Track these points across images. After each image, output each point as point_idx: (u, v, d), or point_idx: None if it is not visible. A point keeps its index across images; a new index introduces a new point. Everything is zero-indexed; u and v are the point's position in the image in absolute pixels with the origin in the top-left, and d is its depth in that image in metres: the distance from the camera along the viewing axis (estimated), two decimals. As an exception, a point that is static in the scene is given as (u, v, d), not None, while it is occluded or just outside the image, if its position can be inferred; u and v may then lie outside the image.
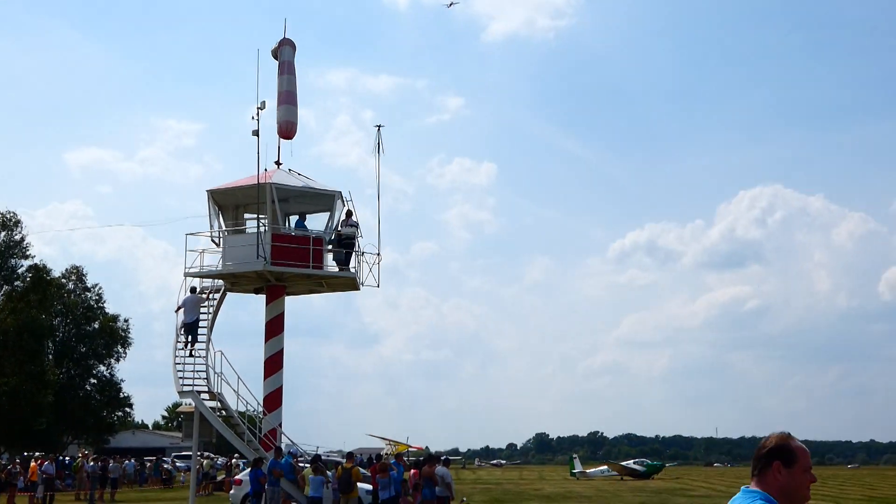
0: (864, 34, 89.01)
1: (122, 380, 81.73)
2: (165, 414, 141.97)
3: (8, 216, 66.58)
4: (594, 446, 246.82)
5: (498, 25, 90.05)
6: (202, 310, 32.71)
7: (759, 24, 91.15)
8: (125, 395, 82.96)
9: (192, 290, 32.68)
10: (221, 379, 31.89)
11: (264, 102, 31.34)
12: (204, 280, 33.20)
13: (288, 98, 33.40)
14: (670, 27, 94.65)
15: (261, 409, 32.11)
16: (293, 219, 33.51)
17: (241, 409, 32.93)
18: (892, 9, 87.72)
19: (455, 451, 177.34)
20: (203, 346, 32.05)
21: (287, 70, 33.70)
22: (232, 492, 37.43)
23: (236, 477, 40.42)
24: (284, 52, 33.77)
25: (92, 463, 48.47)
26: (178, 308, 32.34)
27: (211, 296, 33.28)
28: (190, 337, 32.13)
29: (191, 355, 31.86)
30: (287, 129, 33.38)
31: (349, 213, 33.11)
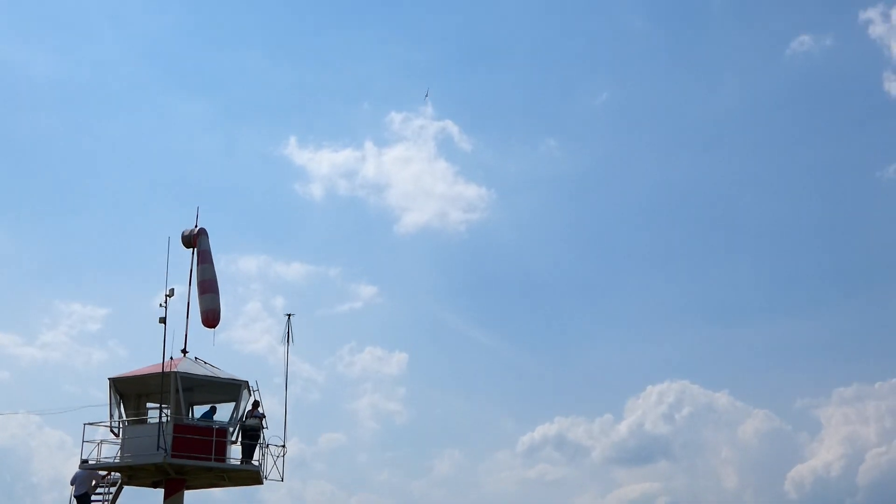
0: (771, 235, 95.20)
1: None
2: None
3: None
4: None
5: (411, 217, 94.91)
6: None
7: (667, 221, 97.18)
8: None
9: (84, 461, 31.39)
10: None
11: (173, 290, 31.22)
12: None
13: (210, 286, 33.23)
14: (579, 223, 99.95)
15: None
16: (200, 409, 32.74)
17: None
18: (798, 210, 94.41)
19: None
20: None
21: (206, 259, 33.67)
22: None
23: None
24: (202, 241, 33.84)
25: None
26: (71, 483, 31.10)
27: (107, 490, 31.93)
28: None
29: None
30: (211, 318, 33.06)
31: (256, 404, 32.54)
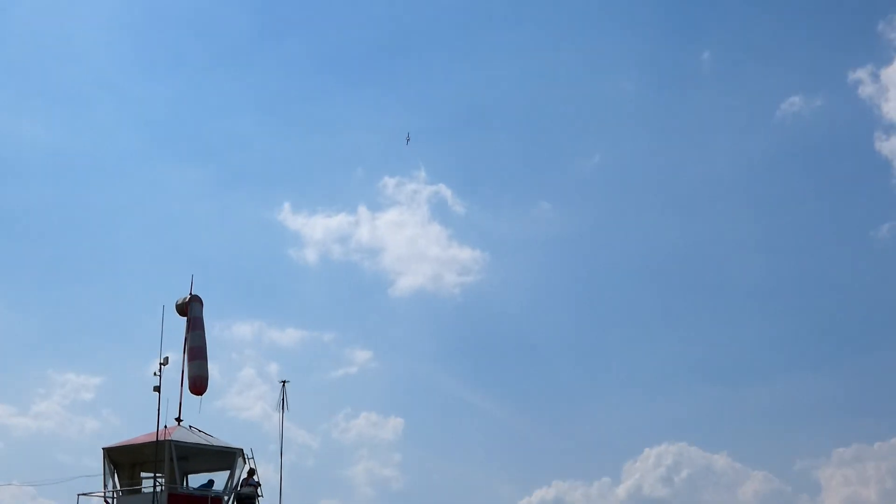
0: (766, 295, 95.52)
1: None
2: None
3: None
4: None
5: (406, 280, 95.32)
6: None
7: (661, 283, 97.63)
8: None
9: None
10: None
11: (167, 358, 31.30)
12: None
13: (199, 353, 33.30)
14: (574, 284, 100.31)
15: None
16: (195, 477, 32.58)
17: None
18: (792, 270, 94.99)
19: None
20: None
21: (197, 326, 33.80)
22: None
23: None
24: (194, 308, 33.99)
25: None
26: None
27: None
28: None
29: None
30: (198, 385, 33.04)
31: (251, 472, 32.40)
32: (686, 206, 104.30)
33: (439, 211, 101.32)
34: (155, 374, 30.79)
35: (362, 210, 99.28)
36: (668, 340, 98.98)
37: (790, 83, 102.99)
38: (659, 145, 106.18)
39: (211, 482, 32.32)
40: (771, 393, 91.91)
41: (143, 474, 32.88)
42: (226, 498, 31.99)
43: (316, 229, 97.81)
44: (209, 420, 33.22)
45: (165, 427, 31.37)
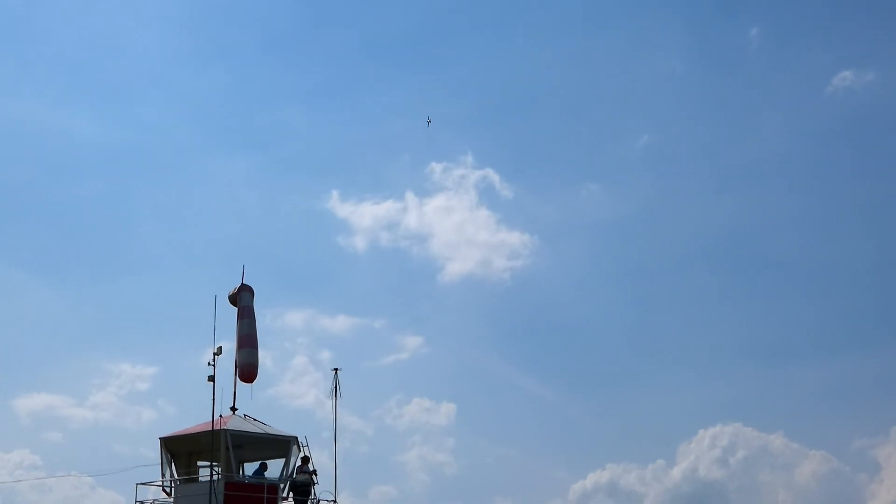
0: (820, 273, 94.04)
1: None
2: None
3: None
4: None
5: (454, 266, 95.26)
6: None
7: (713, 263, 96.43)
8: None
9: None
10: None
11: (220, 348, 31.46)
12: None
13: (248, 342, 33.53)
14: (624, 266, 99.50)
15: None
16: (251, 465, 32.84)
17: None
18: (846, 248, 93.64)
19: None
20: None
21: (247, 314, 34.02)
22: None
23: None
24: (244, 297, 34.23)
25: None
26: None
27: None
28: None
29: None
30: (248, 373, 33.27)
31: (305, 459, 32.55)
32: (736, 186, 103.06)
33: (487, 195, 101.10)
34: (209, 363, 30.99)
35: (410, 196, 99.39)
36: (721, 320, 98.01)
37: (841, 57, 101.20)
38: (708, 124, 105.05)
39: (264, 465, 32.49)
40: (827, 371, 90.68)
41: (199, 463, 33.19)
42: (281, 486, 32.20)
43: (364, 217, 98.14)
44: (263, 408, 33.45)
45: (221, 416, 31.61)
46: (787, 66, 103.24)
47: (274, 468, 32.90)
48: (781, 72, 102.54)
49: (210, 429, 30.63)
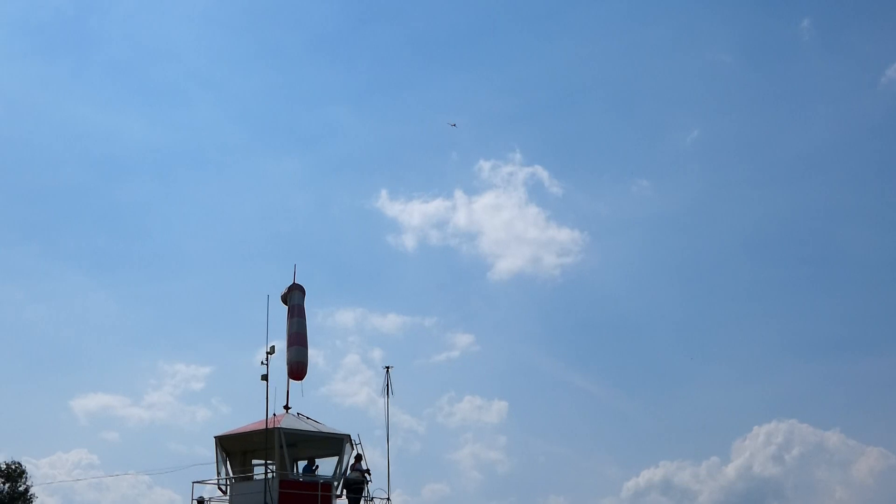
0: (874, 267, 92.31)
1: None
2: None
3: (13, 467, 65.69)
4: None
5: (504, 263, 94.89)
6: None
7: (765, 258, 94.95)
8: None
9: (200, 500, 32.11)
10: None
11: (273, 347, 31.67)
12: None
13: (298, 340, 33.74)
14: (675, 262, 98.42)
15: None
16: (304, 463, 33.05)
17: None
18: None
19: None
20: None
21: (297, 313, 34.23)
22: None
23: None
24: (294, 296, 34.44)
25: None
26: None
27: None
28: None
29: None
30: (297, 370, 33.48)
31: (358, 457, 32.66)
32: (788, 179, 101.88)
33: (536, 192, 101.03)
34: (262, 363, 31.21)
35: (458, 194, 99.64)
36: (775, 315, 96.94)
37: (894, 49, 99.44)
38: (759, 117, 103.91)
39: (312, 460, 32.60)
40: (883, 366, 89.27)
41: (254, 461, 33.46)
42: (335, 484, 32.33)
43: (413, 215, 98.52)
44: (316, 406, 33.64)
45: (274, 415, 31.82)
46: (838, 58, 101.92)
47: (325, 466, 33.07)
48: (833, 64, 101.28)
49: (264, 427, 30.83)
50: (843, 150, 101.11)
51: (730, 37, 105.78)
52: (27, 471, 66.36)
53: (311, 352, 34.13)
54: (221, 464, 32.73)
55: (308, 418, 33.39)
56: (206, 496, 32.38)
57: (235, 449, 33.07)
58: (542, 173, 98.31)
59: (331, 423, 33.66)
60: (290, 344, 33.72)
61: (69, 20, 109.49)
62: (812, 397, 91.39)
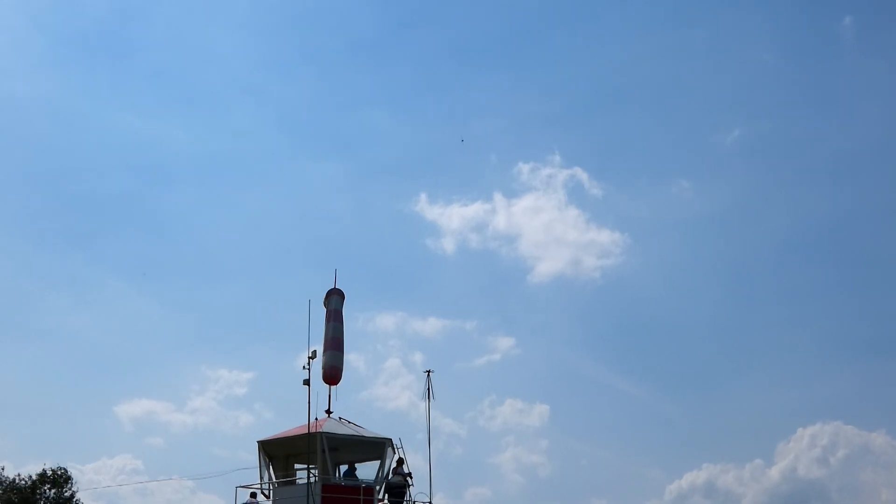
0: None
1: None
2: None
3: (59, 472, 66.43)
4: None
5: (544, 266, 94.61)
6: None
7: (807, 258, 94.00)
8: None
9: (253, 494, 32.37)
10: None
11: (315, 352, 31.76)
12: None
13: (334, 344, 33.84)
14: (717, 263, 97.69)
15: None
16: (345, 468, 33.14)
17: None
18: None
19: None
20: None
21: (334, 318, 34.35)
22: None
23: None
24: (332, 300, 34.57)
25: None
26: None
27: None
28: None
29: None
30: (331, 375, 33.57)
31: (400, 461, 32.70)
32: (832, 178, 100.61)
33: (576, 194, 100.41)
34: (304, 367, 31.32)
35: (498, 197, 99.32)
36: (818, 316, 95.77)
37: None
38: (800, 116, 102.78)
39: (352, 466, 32.60)
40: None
41: (296, 466, 33.61)
42: (377, 488, 32.39)
43: (452, 219, 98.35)
44: (357, 411, 33.80)
45: (316, 419, 31.97)
46: (881, 56, 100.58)
47: (367, 470, 33.13)
48: (876, 61, 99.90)
49: (306, 432, 30.96)
50: (886, 151, 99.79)
51: (770, 36, 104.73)
52: (73, 476, 67.17)
53: (351, 356, 34.35)
54: (264, 468, 32.93)
55: (350, 423, 33.48)
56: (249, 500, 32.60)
57: (278, 453, 33.25)
58: (582, 175, 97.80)
59: (372, 428, 33.78)
60: (326, 349, 33.83)
61: (111, 28, 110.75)
62: (857, 399, 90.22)
